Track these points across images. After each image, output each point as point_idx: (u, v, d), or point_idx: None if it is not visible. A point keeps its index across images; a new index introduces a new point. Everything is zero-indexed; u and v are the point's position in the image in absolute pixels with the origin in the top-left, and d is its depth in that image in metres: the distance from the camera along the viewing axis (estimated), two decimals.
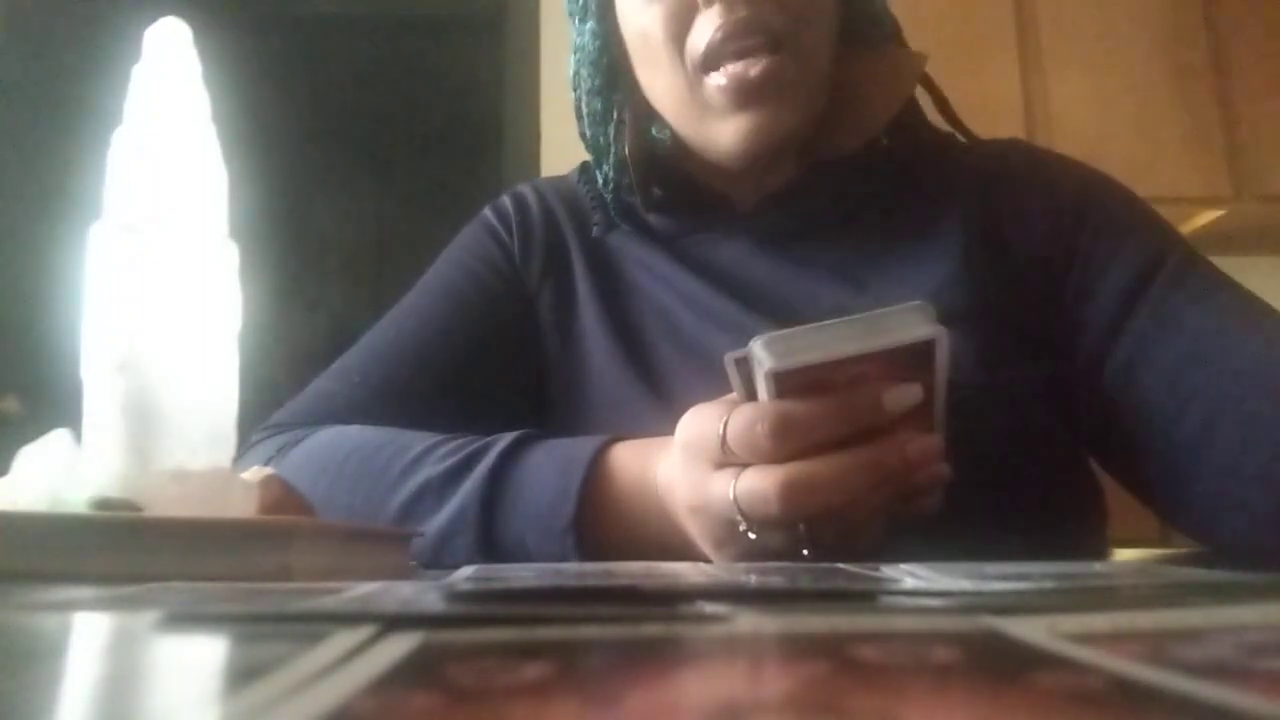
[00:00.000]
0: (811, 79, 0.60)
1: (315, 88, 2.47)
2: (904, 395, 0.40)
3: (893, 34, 0.67)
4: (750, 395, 0.42)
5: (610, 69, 0.65)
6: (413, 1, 2.53)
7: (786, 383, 0.40)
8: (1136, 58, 2.06)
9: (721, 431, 0.41)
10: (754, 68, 0.56)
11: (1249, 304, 0.57)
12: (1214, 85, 2.06)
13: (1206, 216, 2.07)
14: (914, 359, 0.40)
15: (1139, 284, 0.57)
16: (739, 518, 0.41)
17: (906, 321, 0.40)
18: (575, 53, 0.67)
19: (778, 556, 0.42)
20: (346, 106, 2.49)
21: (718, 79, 0.57)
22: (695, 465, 0.43)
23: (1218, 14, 2.10)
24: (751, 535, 0.41)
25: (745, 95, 0.57)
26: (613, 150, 0.65)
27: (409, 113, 2.51)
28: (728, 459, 0.41)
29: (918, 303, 0.41)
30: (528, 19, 2.21)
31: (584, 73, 0.66)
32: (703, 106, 0.59)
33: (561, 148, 2.02)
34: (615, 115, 0.65)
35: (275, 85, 2.39)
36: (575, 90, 0.68)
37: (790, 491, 0.39)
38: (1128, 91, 2.03)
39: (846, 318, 0.40)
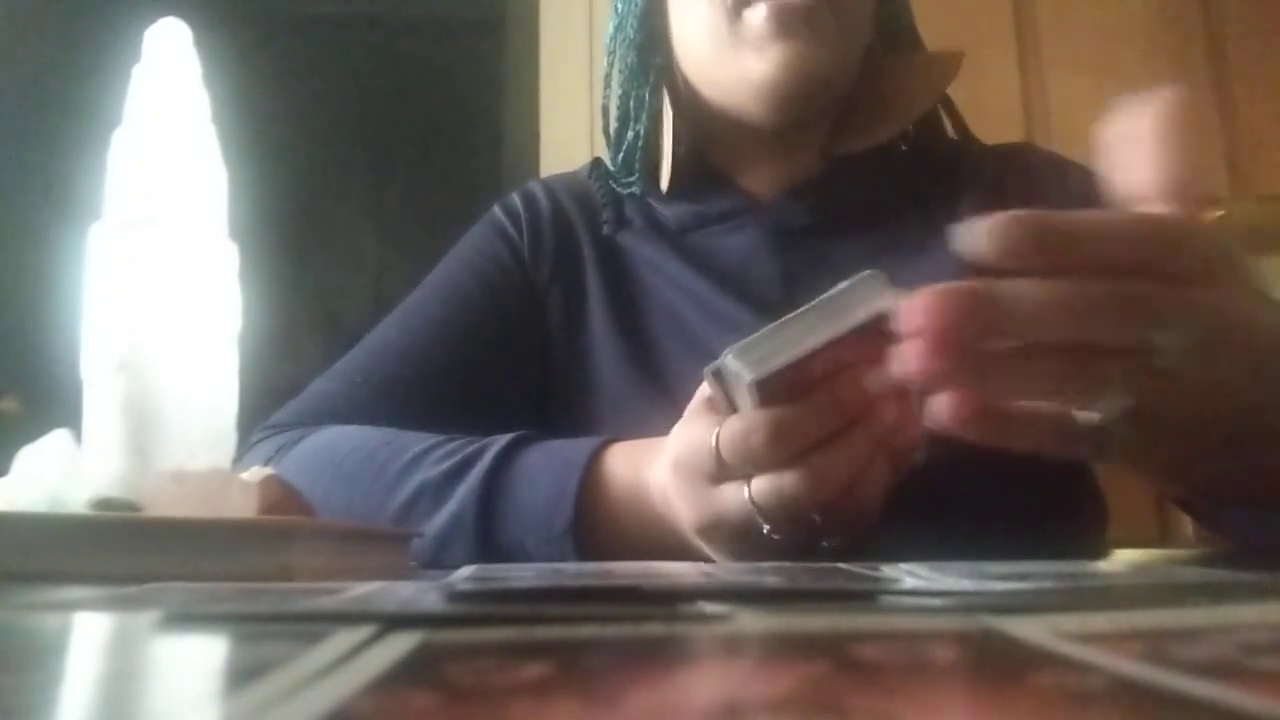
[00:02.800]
0: (844, 40, 0.61)
1: (315, 88, 2.47)
2: (883, 376, 0.40)
3: (916, 45, 0.68)
4: (732, 404, 0.42)
5: (653, 31, 0.65)
6: (413, 1, 2.53)
7: (766, 388, 0.40)
8: (1136, 58, 2.06)
9: (714, 445, 0.41)
10: None
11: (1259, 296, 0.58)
12: (1213, 85, 2.06)
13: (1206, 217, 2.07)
14: (881, 326, 0.40)
15: None
16: (760, 521, 0.41)
17: (863, 296, 0.40)
18: (616, 16, 0.68)
19: (798, 553, 0.42)
20: (346, 106, 2.49)
21: (760, 10, 0.58)
22: (695, 485, 0.43)
23: (1216, 14, 2.10)
24: (775, 536, 0.41)
25: (785, 22, 0.58)
26: (647, 109, 0.65)
27: (409, 113, 2.50)
28: (725, 473, 0.41)
29: (870, 272, 0.41)
30: (528, 19, 2.21)
31: (628, 29, 0.66)
32: (739, 40, 0.59)
33: (561, 148, 2.01)
34: (652, 78, 0.65)
35: (275, 85, 2.38)
36: (610, 55, 0.68)
37: (811, 486, 0.39)
38: (1127, 91, 2.03)
39: (804, 307, 0.40)
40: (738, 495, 0.41)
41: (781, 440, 0.40)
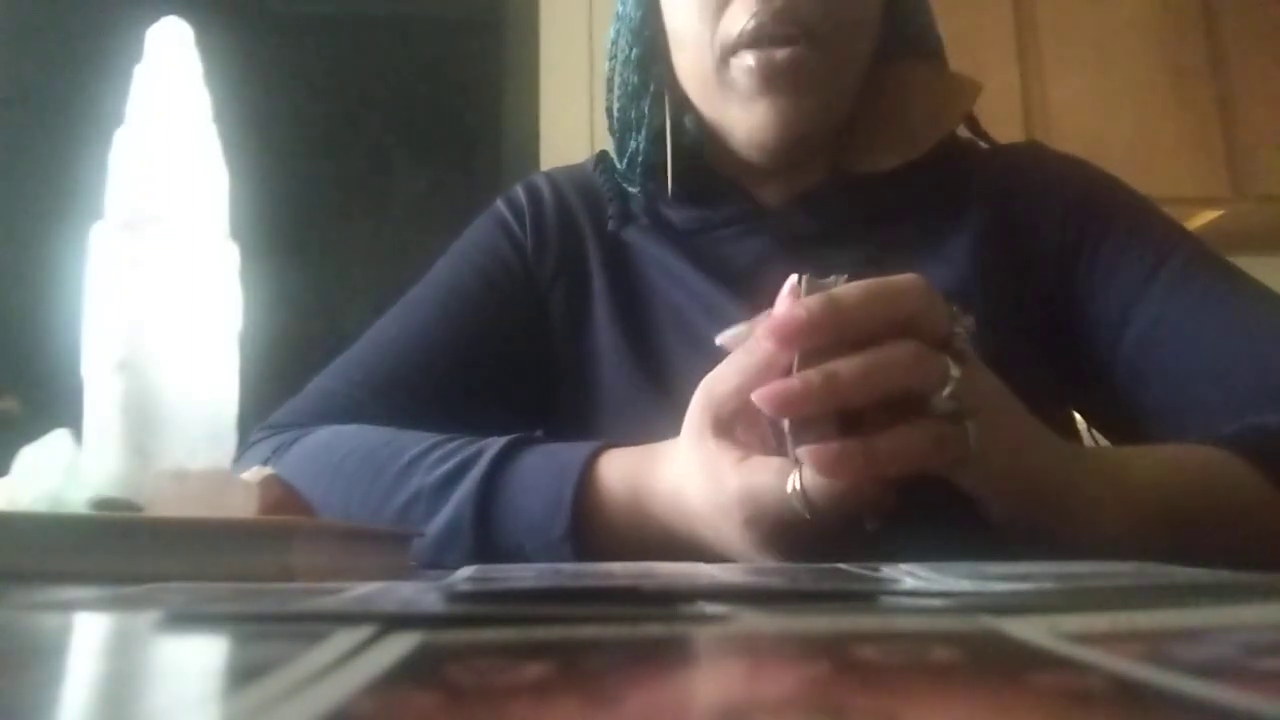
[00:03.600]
0: (839, 79, 0.61)
1: (315, 88, 2.47)
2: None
3: (937, 49, 0.67)
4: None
5: (650, 43, 0.65)
6: (413, 1, 2.53)
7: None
8: (1135, 58, 2.06)
9: (801, 494, 0.40)
10: (780, 54, 0.57)
11: (1263, 292, 0.58)
12: (1212, 85, 2.06)
13: (1205, 216, 2.07)
14: None
15: (1149, 272, 0.59)
16: (803, 511, 0.40)
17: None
18: (616, 22, 0.67)
19: (839, 543, 0.42)
20: (346, 106, 2.49)
21: (746, 61, 0.57)
22: (780, 533, 0.42)
23: (1217, 14, 2.09)
24: (870, 527, 0.41)
25: (770, 80, 0.57)
26: (646, 121, 0.65)
27: (408, 113, 2.50)
28: (817, 516, 0.40)
29: (805, 277, 0.41)
30: (528, 19, 2.21)
31: (623, 42, 0.66)
32: (727, 90, 0.59)
33: (560, 148, 2.02)
34: (652, 88, 0.65)
35: (275, 85, 2.38)
36: (611, 60, 0.68)
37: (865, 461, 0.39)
38: (1127, 92, 2.03)
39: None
40: (778, 481, 0.41)
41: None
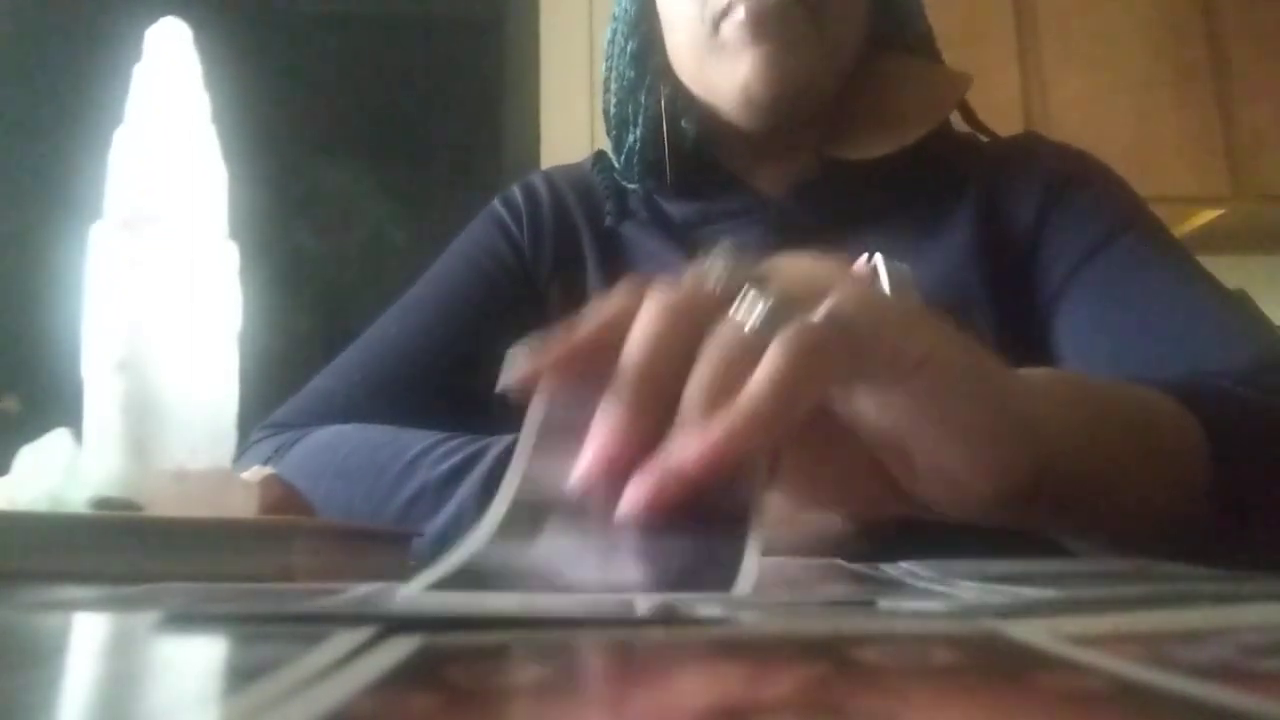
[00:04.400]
0: (827, 38, 0.61)
1: (315, 88, 2.47)
2: None
3: (926, 38, 0.68)
4: None
5: (646, 36, 0.66)
6: (413, 1, 2.53)
7: None
8: (1136, 58, 2.06)
9: None
10: (771, 0, 0.58)
11: (1206, 279, 0.57)
12: (1213, 85, 2.06)
13: (1206, 216, 2.07)
14: None
15: (1084, 256, 0.59)
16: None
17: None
18: (613, 21, 0.69)
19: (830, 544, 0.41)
20: (346, 106, 2.49)
21: (737, 14, 0.58)
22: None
23: (1217, 14, 2.09)
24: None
25: (760, 26, 0.58)
26: (643, 112, 0.65)
27: (408, 112, 2.50)
28: None
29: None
30: (528, 19, 2.21)
31: (619, 37, 0.67)
32: (719, 49, 0.60)
33: (560, 148, 2.02)
34: (648, 80, 0.66)
35: (275, 85, 2.38)
36: (608, 60, 0.69)
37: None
38: (1127, 91, 2.03)
39: None
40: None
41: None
